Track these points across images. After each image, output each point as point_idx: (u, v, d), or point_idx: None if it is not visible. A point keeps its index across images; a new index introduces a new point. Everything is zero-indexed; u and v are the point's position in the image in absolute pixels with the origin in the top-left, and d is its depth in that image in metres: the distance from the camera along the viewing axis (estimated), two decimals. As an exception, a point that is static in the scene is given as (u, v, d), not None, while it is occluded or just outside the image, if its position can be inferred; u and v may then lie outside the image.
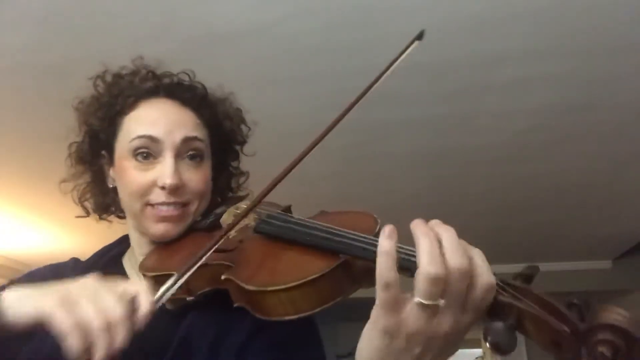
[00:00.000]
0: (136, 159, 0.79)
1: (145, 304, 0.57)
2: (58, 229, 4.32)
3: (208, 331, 0.74)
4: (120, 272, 0.88)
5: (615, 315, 0.46)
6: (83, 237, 4.34)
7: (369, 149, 3.01)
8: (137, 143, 0.79)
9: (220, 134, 0.90)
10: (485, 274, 0.49)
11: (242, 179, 0.97)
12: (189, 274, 0.60)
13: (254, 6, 1.94)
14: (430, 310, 0.47)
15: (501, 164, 3.19)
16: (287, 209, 0.81)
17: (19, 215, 4.04)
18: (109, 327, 0.54)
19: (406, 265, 0.51)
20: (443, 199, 3.69)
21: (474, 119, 2.70)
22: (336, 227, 0.62)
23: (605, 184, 3.42)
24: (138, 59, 0.89)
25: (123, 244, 0.93)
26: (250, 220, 0.75)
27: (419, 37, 0.79)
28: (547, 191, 3.57)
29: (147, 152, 0.79)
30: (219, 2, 1.92)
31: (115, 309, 0.55)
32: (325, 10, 1.95)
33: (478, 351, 8.97)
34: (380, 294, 0.48)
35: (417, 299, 0.47)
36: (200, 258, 0.62)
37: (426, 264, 0.47)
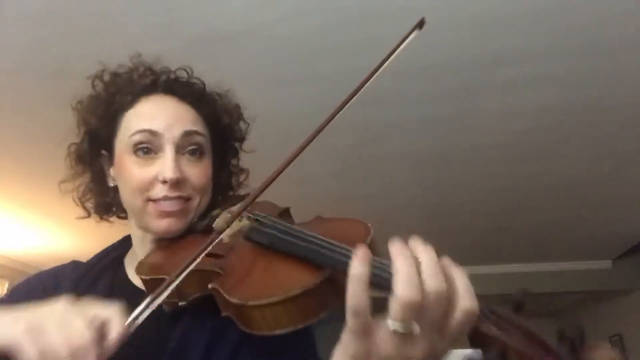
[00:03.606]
0: (136, 155, 0.78)
1: (116, 329, 0.55)
2: (58, 229, 4.31)
3: (203, 333, 0.73)
4: (122, 273, 0.87)
5: (605, 351, 0.42)
6: (83, 237, 4.34)
7: (368, 150, 3.01)
8: (137, 138, 0.78)
9: (220, 130, 0.88)
10: (466, 298, 0.46)
11: (242, 177, 0.96)
12: (165, 294, 0.60)
13: (254, 6, 1.94)
14: (404, 337, 0.45)
15: (501, 164, 3.19)
16: (286, 212, 0.80)
17: (19, 215, 4.04)
18: (76, 355, 0.53)
19: (381, 285, 0.48)
20: (443, 199, 3.69)
21: (474, 119, 2.70)
22: (325, 238, 0.61)
23: (605, 184, 3.43)
24: (136, 56, 0.89)
25: (125, 244, 0.92)
26: (244, 224, 0.74)
27: (420, 25, 0.76)
28: (547, 191, 3.57)
29: (147, 147, 0.78)
30: (219, 2, 1.92)
31: (83, 336, 0.54)
32: (325, 10, 1.95)
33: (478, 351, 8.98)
34: (350, 320, 0.46)
35: (390, 326, 0.45)
36: (182, 271, 0.61)
37: (401, 289, 0.45)
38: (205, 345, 0.72)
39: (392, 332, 0.45)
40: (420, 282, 0.45)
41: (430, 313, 0.45)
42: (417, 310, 0.44)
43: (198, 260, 0.61)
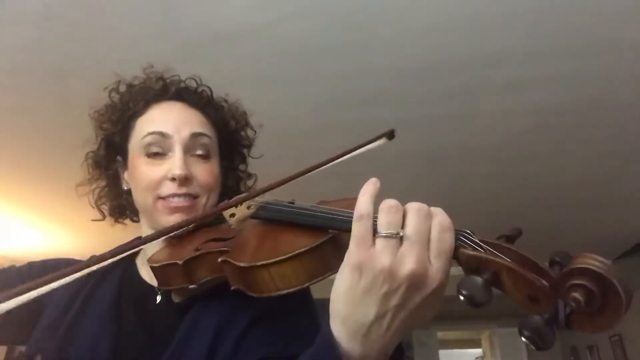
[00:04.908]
0: (147, 156, 0.84)
1: None
2: (58, 229, 4.32)
3: (211, 321, 0.76)
4: (133, 272, 0.90)
5: (590, 260, 0.44)
6: (83, 237, 4.34)
7: (368, 149, 3.01)
8: (148, 140, 0.84)
9: (227, 135, 0.94)
10: (440, 215, 0.53)
11: (250, 182, 1.00)
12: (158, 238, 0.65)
13: (254, 6, 1.94)
14: (394, 242, 0.51)
15: (501, 164, 3.19)
16: (291, 204, 0.83)
17: (19, 215, 4.04)
18: None
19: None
20: (442, 199, 3.69)
21: (474, 119, 2.71)
22: (328, 208, 0.66)
23: (605, 184, 3.43)
24: (148, 67, 0.95)
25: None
26: (251, 210, 0.78)
27: (390, 136, 0.83)
28: (547, 191, 3.57)
29: (157, 148, 0.84)
30: (219, 2, 1.92)
31: None
32: (325, 10, 1.96)
33: (478, 351, 8.98)
34: (354, 227, 0.52)
35: (379, 232, 0.51)
36: (191, 222, 0.65)
37: (384, 202, 0.53)
38: (213, 332, 0.74)
39: (383, 238, 0.51)
40: (401, 204, 0.54)
41: (412, 220, 0.52)
42: (399, 214, 0.52)
43: (199, 220, 0.67)
